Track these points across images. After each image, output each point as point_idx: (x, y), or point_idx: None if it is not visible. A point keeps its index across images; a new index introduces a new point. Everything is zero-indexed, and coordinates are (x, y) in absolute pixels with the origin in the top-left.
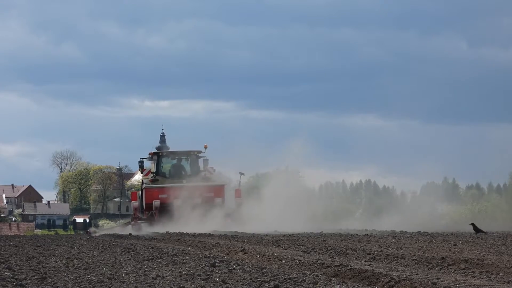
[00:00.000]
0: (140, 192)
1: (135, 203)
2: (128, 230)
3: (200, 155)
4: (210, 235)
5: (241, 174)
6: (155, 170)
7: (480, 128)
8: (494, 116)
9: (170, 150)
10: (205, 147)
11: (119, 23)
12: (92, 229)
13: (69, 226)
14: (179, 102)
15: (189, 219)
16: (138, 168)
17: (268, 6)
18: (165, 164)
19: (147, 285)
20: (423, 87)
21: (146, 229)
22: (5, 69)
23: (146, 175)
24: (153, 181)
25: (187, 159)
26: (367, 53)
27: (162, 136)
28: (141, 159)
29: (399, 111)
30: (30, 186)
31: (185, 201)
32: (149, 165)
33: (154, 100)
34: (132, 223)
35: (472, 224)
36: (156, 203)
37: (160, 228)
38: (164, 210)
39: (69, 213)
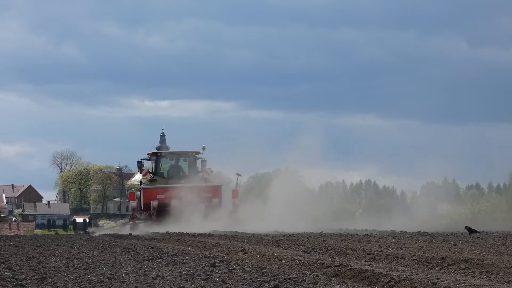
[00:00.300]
0: (138, 192)
1: (133, 203)
2: (126, 230)
3: (198, 156)
4: (210, 235)
5: (238, 175)
6: (153, 171)
7: (480, 128)
8: (494, 116)
9: (168, 150)
10: (203, 148)
11: (119, 23)
12: (91, 229)
13: (69, 226)
14: (179, 102)
15: (186, 219)
16: (137, 168)
17: (268, 6)
18: (164, 164)
19: (147, 285)
20: (423, 87)
21: (144, 229)
22: (5, 69)
23: (144, 175)
24: (151, 181)
25: (185, 160)
26: (367, 53)
27: (162, 136)
28: (139, 160)
29: (399, 111)
30: (30, 186)
31: (183, 202)
32: (148, 165)
33: (154, 100)
34: (130, 223)
35: (466, 227)
36: (154, 203)
37: (158, 228)
38: (162, 210)
39: (69, 213)
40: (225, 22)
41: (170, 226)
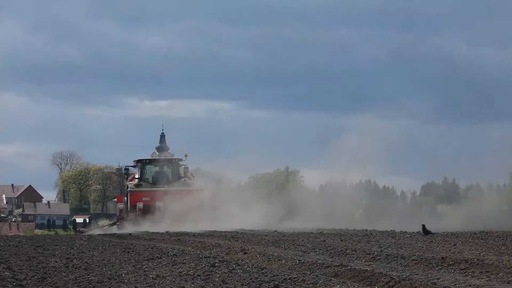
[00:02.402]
0: (126, 195)
1: (121, 205)
2: (114, 229)
3: (181, 163)
4: (210, 235)
5: (219, 180)
6: (139, 176)
7: (480, 128)
8: (494, 116)
9: (153, 158)
10: (185, 156)
11: (118, 23)
12: (82, 229)
13: (69, 226)
14: (179, 102)
15: (170, 220)
16: (124, 174)
17: (267, 6)
18: (149, 170)
19: (147, 285)
20: (423, 87)
21: (130, 228)
22: (4, 69)
23: (131, 180)
24: (137, 185)
25: (168, 166)
26: (367, 53)
27: (162, 136)
28: (126, 167)
29: (398, 111)
30: (30, 186)
31: (166, 204)
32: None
33: (153, 100)
34: (117, 223)
35: (423, 225)
36: (140, 205)
37: (143, 227)
38: (147, 211)
39: (69, 213)
40: (224, 21)
41: (154, 226)
